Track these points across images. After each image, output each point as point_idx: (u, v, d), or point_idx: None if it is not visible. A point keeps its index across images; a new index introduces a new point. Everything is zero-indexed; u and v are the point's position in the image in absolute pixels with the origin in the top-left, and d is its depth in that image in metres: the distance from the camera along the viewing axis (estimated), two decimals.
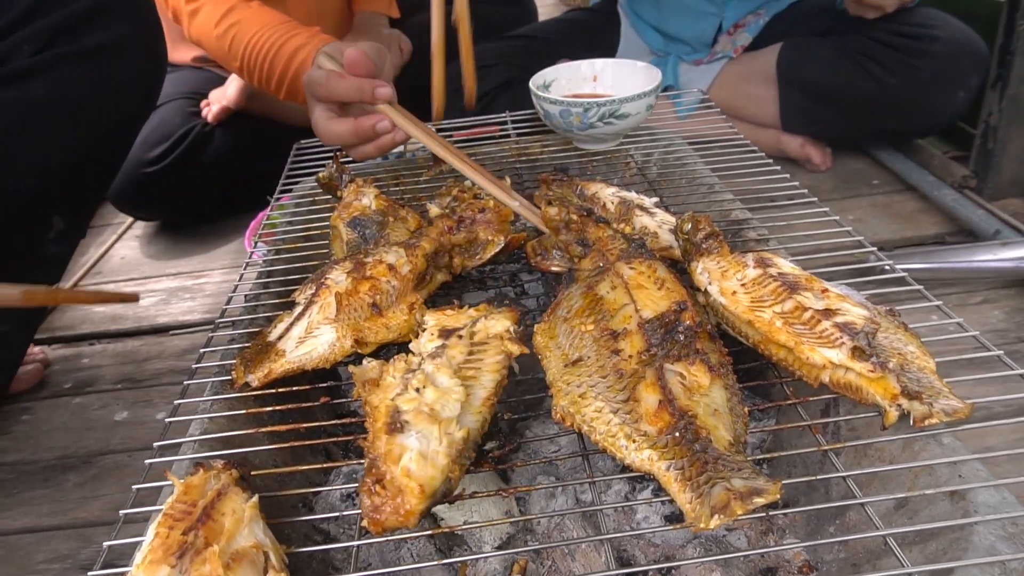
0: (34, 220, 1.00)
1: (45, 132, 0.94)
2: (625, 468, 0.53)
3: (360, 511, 0.50)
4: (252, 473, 0.55)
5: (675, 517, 0.69)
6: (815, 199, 0.81)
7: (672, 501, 0.67)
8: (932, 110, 1.35)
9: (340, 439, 0.63)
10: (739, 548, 0.67)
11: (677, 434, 0.52)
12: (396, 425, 0.53)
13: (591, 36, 1.56)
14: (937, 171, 1.38)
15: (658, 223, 0.76)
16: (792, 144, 1.46)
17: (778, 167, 0.89)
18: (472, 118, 1.12)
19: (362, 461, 0.54)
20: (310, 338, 0.67)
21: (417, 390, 0.55)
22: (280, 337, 0.68)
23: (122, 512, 0.56)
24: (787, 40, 1.43)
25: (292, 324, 0.69)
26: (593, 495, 0.55)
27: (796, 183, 0.85)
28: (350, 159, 0.96)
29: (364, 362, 0.60)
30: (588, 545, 0.65)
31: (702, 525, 0.46)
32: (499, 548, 0.67)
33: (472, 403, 0.57)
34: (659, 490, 0.69)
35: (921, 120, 1.38)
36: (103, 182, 1.13)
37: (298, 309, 0.70)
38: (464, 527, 0.57)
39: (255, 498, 0.50)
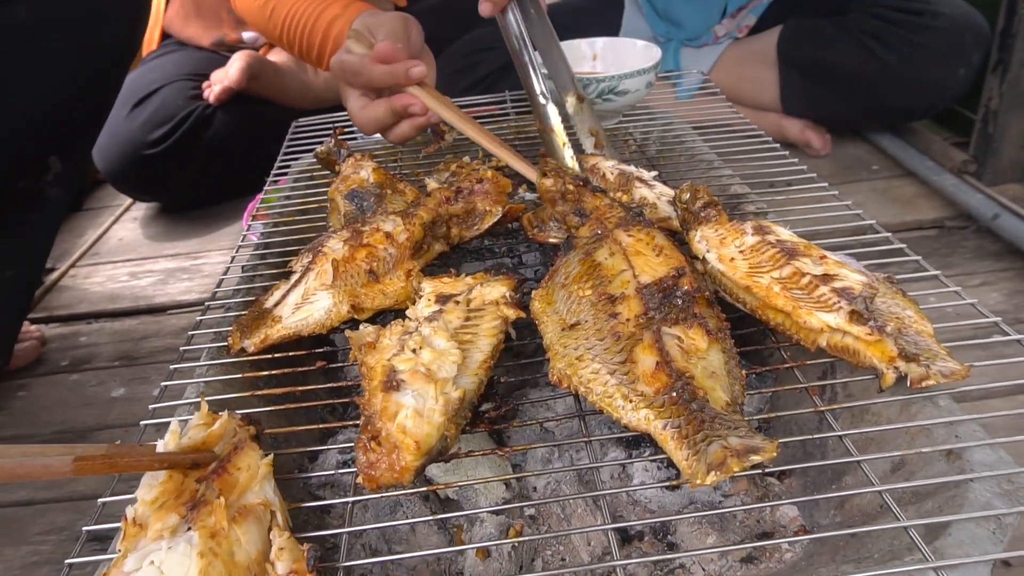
0: (32, 160, 1.01)
1: (34, 57, 0.94)
2: (622, 429, 0.53)
3: (355, 470, 0.50)
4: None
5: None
6: (814, 175, 0.81)
7: (669, 466, 0.68)
8: (933, 87, 1.35)
9: (337, 401, 0.63)
10: (735, 514, 0.67)
11: (674, 394, 0.52)
12: (392, 383, 0.53)
13: (592, 21, 1.56)
14: (937, 156, 1.38)
15: (656, 195, 0.76)
16: (792, 129, 1.45)
17: (777, 144, 0.89)
18: (471, 97, 1.12)
19: (357, 422, 0.54)
20: (306, 304, 0.67)
21: (414, 351, 0.55)
22: (276, 304, 0.68)
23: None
24: (788, 21, 1.43)
25: (289, 291, 0.69)
26: (590, 455, 0.55)
27: (795, 160, 0.85)
28: (351, 136, 0.95)
29: (360, 327, 0.60)
30: (584, 510, 0.64)
31: (698, 481, 0.46)
32: (495, 513, 0.66)
33: (469, 366, 0.57)
34: (655, 452, 0.69)
35: (922, 98, 1.37)
36: (96, 121, 1.13)
37: (294, 277, 0.70)
38: (461, 483, 0.57)
39: (270, 456, 0.50)
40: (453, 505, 0.68)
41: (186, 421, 0.56)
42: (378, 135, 1.01)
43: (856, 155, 1.53)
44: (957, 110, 1.43)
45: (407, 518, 0.66)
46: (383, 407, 0.52)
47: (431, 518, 0.60)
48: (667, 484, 0.52)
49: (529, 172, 0.80)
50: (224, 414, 0.53)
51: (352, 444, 0.71)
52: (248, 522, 0.45)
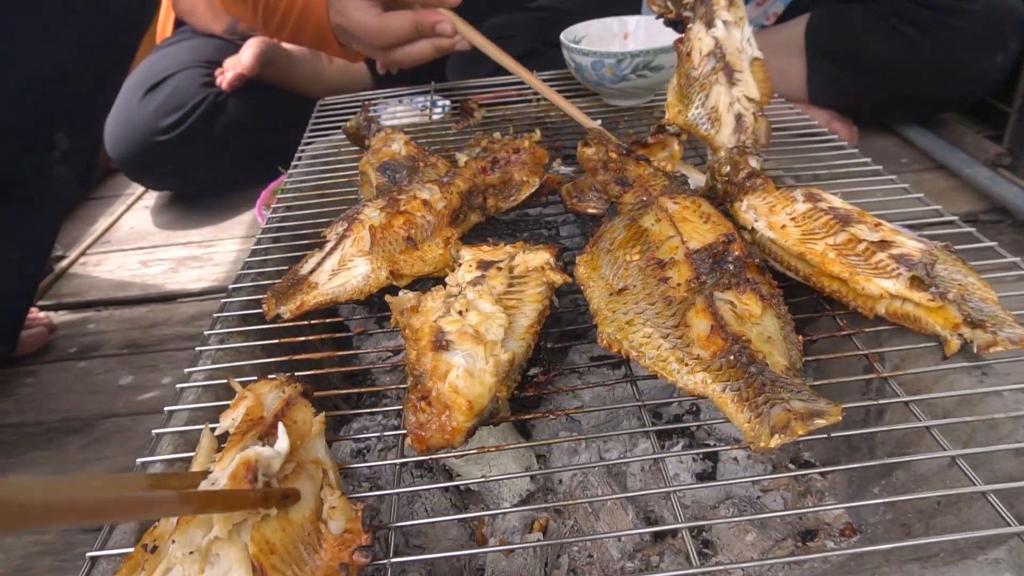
0: (38, 136, 0.98)
1: (37, 25, 0.91)
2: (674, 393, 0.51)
3: (404, 432, 0.48)
4: None
5: (706, 475, 0.66)
6: (855, 150, 0.80)
7: (705, 458, 0.65)
8: (969, 75, 1.31)
9: (371, 366, 0.61)
10: (775, 509, 0.64)
11: (732, 357, 0.50)
12: (441, 343, 0.51)
13: (611, 9, 1.54)
14: (969, 149, 1.35)
15: (731, 100, 0.73)
16: (818, 120, 1.42)
17: (815, 122, 0.88)
18: (501, 76, 1.10)
19: (380, 389, 0.52)
20: (344, 270, 0.65)
21: (460, 313, 0.53)
22: (311, 271, 0.66)
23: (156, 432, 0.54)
24: (816, 8, 1.40)
25: (324, 258, 0.67)
26: (643, 418, 0.52)
27: (834, 136, 0.83)
28: (376, 112, 0.93)
29: (400, 293, 0.58)
30: (614, 503, 0.62)
31: (762, 444, 0.44)
32: (519, 505, 0.64)
33: (515, 331, 0.55)
34: (689, 445, 0.67)
35: (958, 86, 1.34)
36: (104, 98, 1.10)
37: (329, 245, 0.68)
38: (505, 447, 0.55)
39: (322, 415, 0.48)
40: (474, 497, 0.65)
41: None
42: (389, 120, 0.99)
43: (884, 148, 1.50)
44: (989, 103, 1.40)
45: (426, 509, 0.63)
46: (433, 366, 0.50)
47: (449, 484, 0.57)
48: (733, 448, 0.50)
49: (580, 117, 0.77)
50: (249, 389, 0.50)
51: (367, 430, 0.70)
52: (301, 480, 0.43)
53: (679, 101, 0.77)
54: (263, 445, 0.42)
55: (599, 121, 0.82)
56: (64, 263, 1.45)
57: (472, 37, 0.83)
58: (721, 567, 0.47)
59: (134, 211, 1.65)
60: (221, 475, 0.40)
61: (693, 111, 0.76)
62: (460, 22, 0.84)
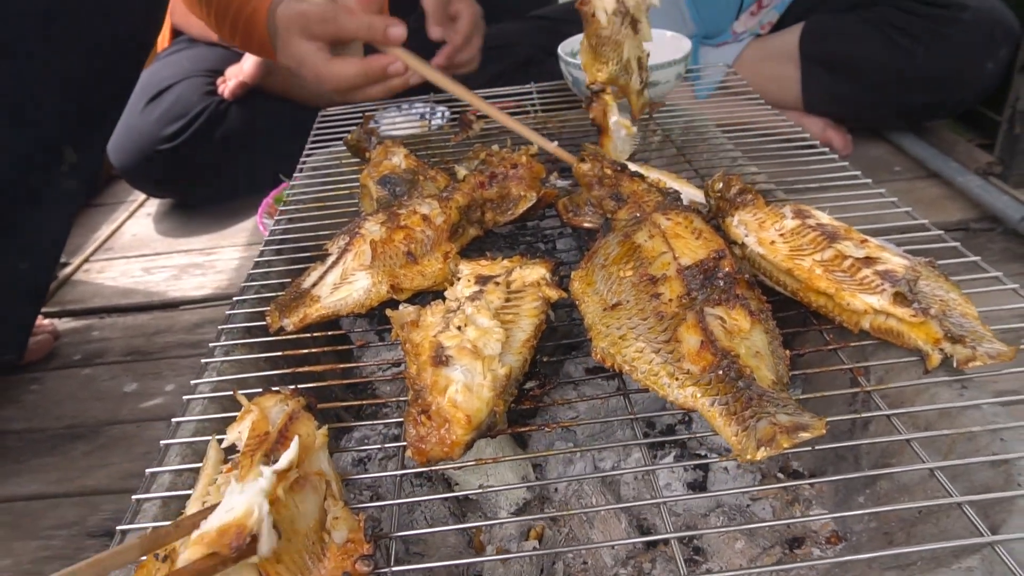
0: (46, 151, 0.99)
1: (47, 44, 0.92)
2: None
3: (404, 443, 0.50)
4: None
5: (697, 485, 0.68)
6: (846, 162, 0.82)
7: (696, 468, 0.67)
8: (960, 81, 1.34)
9: (372, 378, 0.63)
10: (764, 518, 0.66)
11: (720, 372, 0.52)
12: (441, 359, 0.52)
13: None
14: (961, 158, 1.37)
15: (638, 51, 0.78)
16: (813, 128, 1.44)
17: (807, 134, 0.90)
18: (498, 88, 1.12)
19: (381, 400, 0.53)
20: (345, 284, 0.67)
21: (459, 328, 0.55)
22: (314, 285, 0.68)
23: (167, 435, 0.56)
24: (811, 17, 1.42)
25: (326, 272, 0.69)
26: (637, 429, 0.54)
27: (825, 149, 0.85)
28: (376, 123, 0.95)
29: (400, 307, 0.60)
30: (608, 512, 0.63)
31: (748, 457, 0.46)
32: (515, 514, 0.65)
33: (512, 345, 0.57)
34: (681, 456, 0.69)
35: (949, 92, 1.36)
36: (112, 112, 1.12)
37: (331, 259, 0.70)
38: (503, 458, 0.56)
39: (325, 428, 0.49)
40: (472, 506, 0.67)
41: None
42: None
43: (877, 156, 1.52)
44: (980, 111, 1.42)
45: (425, 518, 0.65)
46: (433, 381, 0.51)
47: (447, 495, 0.59)
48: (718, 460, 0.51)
49: (536, 137, 0.80)
50: (254, 403, 0.52)
51: (368, 440, 0.71)
52: (305, 491, 0.45)
53: (596, 61, 0.82)
54: (269, 462, 0.43)
55: (553, 138, 0.85)
56: (68, 270, 1.46)
57: (424, 71, 0.84)
58: (710, 575, 0.48)
59: (136, 218, 1.67)
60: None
61: (613, 67, 0.82)
62: (410, 57, 0.84)
